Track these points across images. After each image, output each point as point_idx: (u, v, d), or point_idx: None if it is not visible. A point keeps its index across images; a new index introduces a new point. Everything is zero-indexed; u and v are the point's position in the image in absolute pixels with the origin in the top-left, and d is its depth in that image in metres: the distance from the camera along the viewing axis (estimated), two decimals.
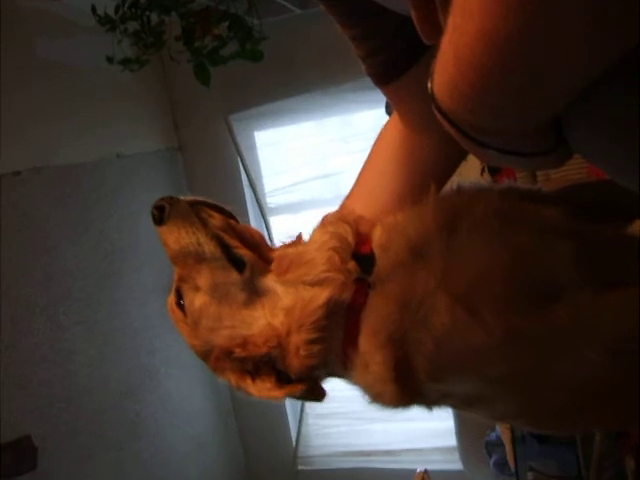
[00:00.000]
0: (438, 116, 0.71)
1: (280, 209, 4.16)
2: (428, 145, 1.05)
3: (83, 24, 3.34)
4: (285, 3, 3.54)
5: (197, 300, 1.04)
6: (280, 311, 0.99)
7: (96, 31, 3.24)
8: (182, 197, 1.05)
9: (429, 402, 1.01)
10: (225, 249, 1.01)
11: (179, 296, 1.06)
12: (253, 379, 1.03)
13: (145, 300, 3.61)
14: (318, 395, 1.06)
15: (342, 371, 1.01)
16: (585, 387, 0.92)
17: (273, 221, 4.16)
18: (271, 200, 4.19)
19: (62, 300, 3.15)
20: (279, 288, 1.01)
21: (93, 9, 3.15)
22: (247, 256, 1.01)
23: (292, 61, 3.77)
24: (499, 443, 2.73)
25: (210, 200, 1.07)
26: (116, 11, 3.23)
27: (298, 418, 4.32)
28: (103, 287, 3.41)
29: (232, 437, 4.41)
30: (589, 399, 0.94)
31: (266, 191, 4.20)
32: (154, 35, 3.33)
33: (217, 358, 1.05)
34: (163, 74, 4.06)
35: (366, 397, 1.03)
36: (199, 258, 1.03)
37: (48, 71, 3.20)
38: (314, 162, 4.03)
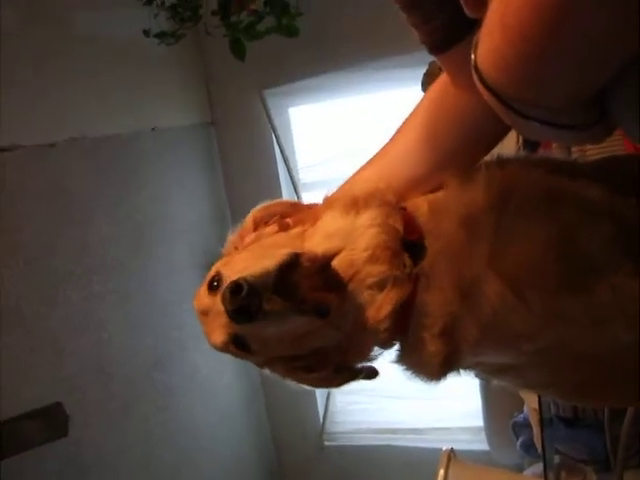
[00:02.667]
0: (480, 87, 0.70)
1: (313, 185, 4.14)
2: (482, 110, 1.02)
3: None
4: None
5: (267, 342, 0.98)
6: (349, 315, 0.96)
7: (133, 4, 3.26)
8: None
9: (461, 368, 1.03)
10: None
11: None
12: (308, 370, 1.02)
13: (177, 273, 3.62)
14: (373, 375, 1.06)
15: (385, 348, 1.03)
16: (612, 364, 0.94)
17: (305, 197, 4.15)
18: (304, 176, 4.18)
19: (95, 270, 3.18)
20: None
21: None
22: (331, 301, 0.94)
23: (327, 37, 3.74)
24: (526, 425, 2.71)
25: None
26: None
27: (326, 395, 4.34)
28: (136, 258, 3.44)
29: (260, 412, 4.45)
30: (615, 375, 0.96)
31: (299, 167, 4.19)
32: (191, 9, 3.34)
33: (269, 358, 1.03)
34: (198, 48, 4.05)
35: (406, 372, 1.05)
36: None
37: (86, 44, 3.20)
38: (347, 139, 4.01)
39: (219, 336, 1.06)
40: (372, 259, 0.95)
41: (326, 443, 4.39)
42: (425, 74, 2.74)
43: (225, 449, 4.04)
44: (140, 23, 3.27)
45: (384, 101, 3.95)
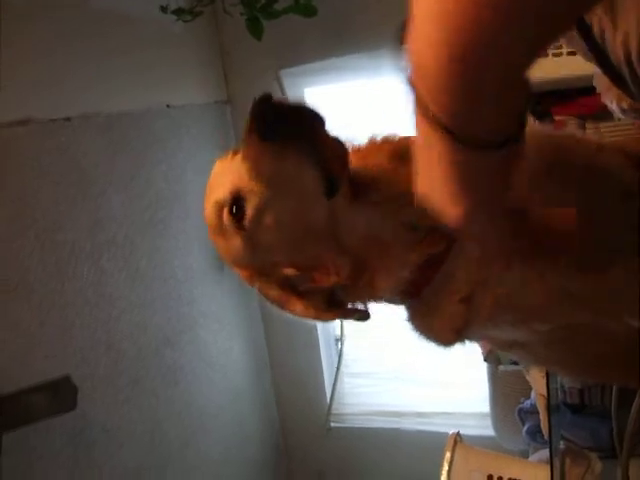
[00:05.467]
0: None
1: None
2: None
3: None
4: None
5: (270, 214, 0.97)
6: (367, 239, 0.95)
7: None
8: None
9: (469, 339, 1.03)
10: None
11: (237, 208, 0.98)
12: (301, 296, 1.00)
13: (188, 250, 3.63)
14: (366, 317, 1.04)
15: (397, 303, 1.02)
16: (618, 346, 0.95)
17: None
18: None
19: (107, 246, 3.19)
20: (370, 216, 0.96)
21: None
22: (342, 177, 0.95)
23: (347, 18, 3.71)
24: (533, 411, 2.71)
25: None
26: None
27: (333, 376, 4.35)
28: (147, 235, 3.45)
29: (267, 392, 4.46)
30: (620, 357, 0.96)
31: None
32: None
33: (267, 274, 1.01)
34: (215, 26, 4.03)
35: (415, 332, 1.04)
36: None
37: (100, 20, 3.19)
38: (363, 121, 3.99)
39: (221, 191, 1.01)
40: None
41: (332, 424, 4.39)
42: None
43: (231, 428, 4.05)
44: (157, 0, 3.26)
45: (398, 85, 3.90)
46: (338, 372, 4.34)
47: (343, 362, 4.31)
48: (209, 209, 1.03)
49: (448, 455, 2.34)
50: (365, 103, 4.03)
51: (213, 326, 3.86)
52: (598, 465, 2.20)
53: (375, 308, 1.04)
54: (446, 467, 2.34)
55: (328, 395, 4.39)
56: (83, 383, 2.83)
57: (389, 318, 1.08)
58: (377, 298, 1.01)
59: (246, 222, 0.97)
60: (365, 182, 0.98)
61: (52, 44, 2.94)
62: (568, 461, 2.17)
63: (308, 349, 4.30)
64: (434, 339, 1.01)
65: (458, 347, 1.03)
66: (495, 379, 3.14)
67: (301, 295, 1.00)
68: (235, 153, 1.00)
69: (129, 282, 3.31)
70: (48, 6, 2.91)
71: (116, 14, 3.26)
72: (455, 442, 2.37)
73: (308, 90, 4.20)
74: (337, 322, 3.82)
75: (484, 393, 3.35)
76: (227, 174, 1.01)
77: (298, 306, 1.01)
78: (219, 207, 1.01)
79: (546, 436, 2.41)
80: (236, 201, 0.98)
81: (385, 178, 0.98)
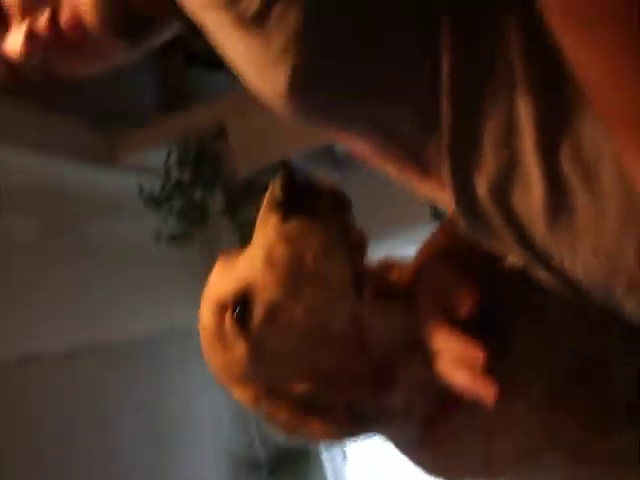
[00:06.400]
0: None
1: None
2: None
3: (130, 204, 3.52)
4: (322, 170, 3.75)
5: (285, 312, 0.82)
6: (395, 343, 0.85)
7: (143, 210, 3.49)
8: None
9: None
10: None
11: (242, 308, 0.83)
12: (318, 415, 0.85)
13: (201, 474, 3.66)
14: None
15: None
16: None
17: None
18: None
19: (120, 475, 3.18)
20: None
21: (140, 190, 3.44)
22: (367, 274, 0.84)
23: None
24: None
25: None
26: (161, 190, 3.51)
27: None
28: (160, 460, 3.43)
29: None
30: None
31: None
32: (199, 211, 3.57)
33: (277, 391, 0.86)
34: (208, 246, 4.02)
35: (419, 465, 0.95)
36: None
37: (99, 250, 3.36)
38: None
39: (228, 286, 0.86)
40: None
41: None
42: None
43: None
44: (151, 227, 3.46)
45: None
46: None
47: None
48: (205, 314, 0.89)
49: None
50: None
51: None
52: None
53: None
54: None
55: None
56: None
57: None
58: (393, 416, 0.87)
59: (253, 324, 0.83)
60: (389, 280, 0.91)
61: (52, 278, 3.05)
62: None
63: None
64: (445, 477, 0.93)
65: None
66: None
67: (317, 414, 0.86)
68: (239, 253, 0.90)
69: None
70: (48, 241, 3.10)
71: (113, 243, 3.45)
72: None
73: None
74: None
75: None
76: (231, 272, 0.88)
77: (315, 427, 0.86)
78: (219, 309, 0.86)
79: None
80: (241, 301, 0.83)
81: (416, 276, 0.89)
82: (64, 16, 0.84)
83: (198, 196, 3.55)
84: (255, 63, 0.65)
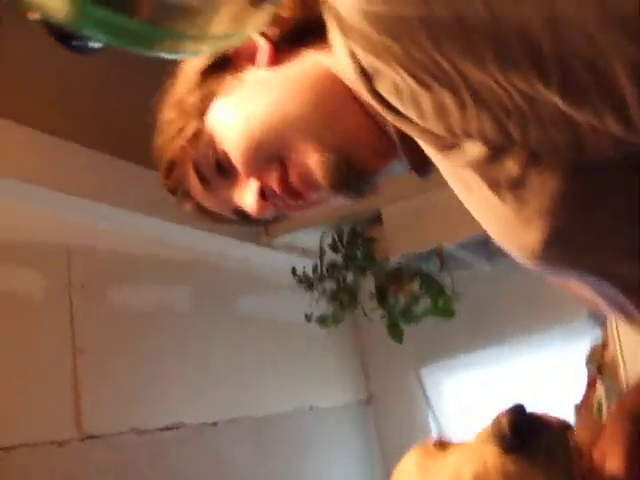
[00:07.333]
0: None
1: None
2: None
3: (283, 283, 3.63)
4: (474, 260, 3.71)
5: None
6: None
7: (294, 289, 3.57)
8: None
9: None
10: None
11: None
12: None
13: None
14: None
15: None
16: None
17: None
18: None
19: None
20: None
21: (293, 270, 3.53)
22: None
23: (484, 316, 3.85)
24: None
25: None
26: (314, 271, 3.58)
27: None
28: None
29: None
30: None
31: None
32: (349, 294, 3.59)
33: None
34: (356, 330, 4.18)
35: None
36: None
37: (250, 325, 3.44)
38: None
39: None
40: None
41: None
42: (589, 355, 2.70)
43: None
44: (301, 306, 3.54)
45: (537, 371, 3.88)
46: None
47: None
48: None
49: None
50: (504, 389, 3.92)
51: None
52: None
53: None
54: None
55: None
56: None
57: None
58: None
59: None
60: None
61: (203, 349, 3.14)
62: None
63: None
64: None
65: None
66: None
67: None
68: (442, 446, 0.90)
69: None
70: (202, 312, 3.18)
71: (262, 319, 3.53)
72: None
73: (447, 384, 4.18)
74: None
75: None
76: (433, 476, 0.87)
77: None
78: None
79: None
80: None
81: None
82: (294, 178, 0.93)
83: (349, 279, 3.58)
84: (500, 221, 0.72)
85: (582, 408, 2.03)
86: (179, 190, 1.09)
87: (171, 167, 1.05)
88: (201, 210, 1.12)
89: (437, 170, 0.86)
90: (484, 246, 3.72)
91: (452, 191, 0.83)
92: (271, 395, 3.44)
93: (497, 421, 0.80)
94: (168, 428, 2.85)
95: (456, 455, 0.84)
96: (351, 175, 0.92)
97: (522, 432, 0.77)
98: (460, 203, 0.86)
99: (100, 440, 2.60)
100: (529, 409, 0.79)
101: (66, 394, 2.54)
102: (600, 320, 2.81)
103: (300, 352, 3.71)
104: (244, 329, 3.37)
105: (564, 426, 0.80)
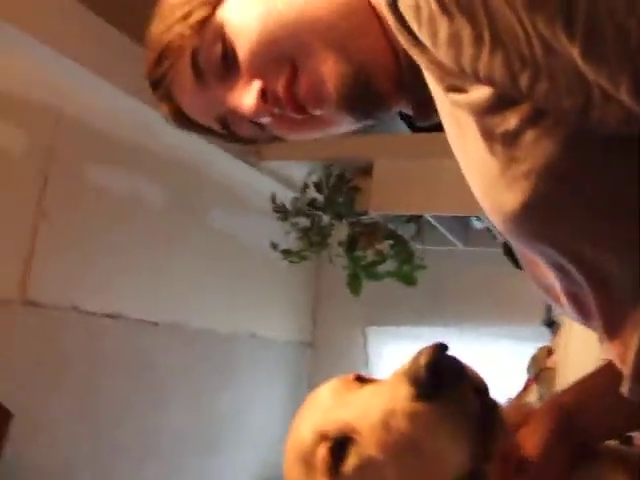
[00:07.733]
0: None
1: None
2: None
3: (259, 207, 3.63)
4: (451, 237, 3.69)
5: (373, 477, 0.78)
6: None
7: (269, 216, 3.56)
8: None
9: None
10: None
11: (340, 449, 0.79)
12: None
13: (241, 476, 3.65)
14: None
15: None
16: None
17: None
18: None
19: (155, 455, 3.17)
20: None
21: (273, 197, 3.52)
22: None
23: (443, 293, 3.87)
24: None
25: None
26: (292, 204, 3.57)
27: None
28: (201, 454, 3.43)
29: None
30: None
31: None
32: (321, 235, 3.58)
33: None
34: (316, 272, 4.22)
35: None
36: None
37: (216, 238, 3.45)
38: None
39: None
40: None
41: None
42: (532, 358, 2.73)
43: None
44: (270, 235, 3.55)
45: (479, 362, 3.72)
46: None
47: None
48: (305, 429, 0.84)
49: None
50: None
51: None
52: None
53: None
54: None
55: None
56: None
57: None
58: None
59: (343, 469, 0.79)
60: (520, 457, 0.87)
61: (165, 250, 3.15)
62: None
63: None
64: None
65: None
66: None
67: None
68: (362, 381, 0.88)
69: None
70: (172, 216, 3.19)
71: (229, 236, 3.53)
72: None
73: (388, 349, 4.20)
74: None
75: None
76: (344, 404, 0.84)
77: None
78: (320, 435, 0.82)
79: None
80: (343, 441, 0.80)
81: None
82: (302, 86, 0.86)
83: (325, 221, 3.58)
84: (486, 175, 0.68)
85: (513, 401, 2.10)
86: (163, 85, 0.98)
87: (164, 55, 0.95)
88: (178, 115, 1.02)
89: (436, 139, 0.81)
90: (464, 228, 3.73)
91: (448, 165, 0.80)
92: (216, 311, 3.45)
93: (416, 358, 0.79)
94: (107, 315, 2.85)
95: (372, 389, 0.84)
96: (365, 94, 0.87)
97: (438, 374, 0.75)
98: (453, 180, 0.84)
99: (42, 310, 2.60)
100: (450, 358, 0.77)
101: (19, 255, 2.52)
102: (552, 327, 2.86)
103: (257, 279, 3.71)
104: (208, 241, 3.36)
105: (484, 387, 0.78)
